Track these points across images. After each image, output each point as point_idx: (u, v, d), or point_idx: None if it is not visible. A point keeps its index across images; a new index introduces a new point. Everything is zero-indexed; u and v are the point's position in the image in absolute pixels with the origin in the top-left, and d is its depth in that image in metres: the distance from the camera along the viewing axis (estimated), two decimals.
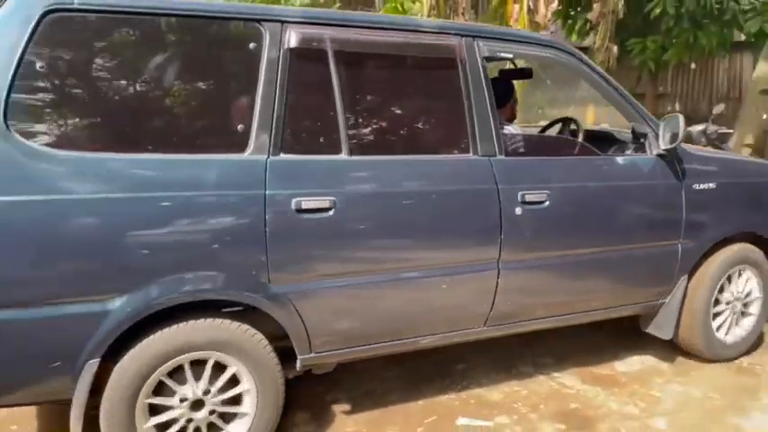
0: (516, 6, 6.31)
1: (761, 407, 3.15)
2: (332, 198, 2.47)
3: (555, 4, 6.95)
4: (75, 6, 2.20)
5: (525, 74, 4.00)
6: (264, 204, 2.37)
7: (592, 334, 3.78)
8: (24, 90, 2.15)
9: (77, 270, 2.20)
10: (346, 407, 3.10)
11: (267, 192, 2.38)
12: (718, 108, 5.49)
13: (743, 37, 9.84)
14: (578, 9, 9.59)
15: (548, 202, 2.89)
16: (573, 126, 3.88)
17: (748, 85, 10.44)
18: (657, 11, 8.52)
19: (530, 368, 3.51)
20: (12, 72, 2.11)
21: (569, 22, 9.66)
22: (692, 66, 11.64)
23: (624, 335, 3.84)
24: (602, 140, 3.50)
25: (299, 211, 2.42)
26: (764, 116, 6.93)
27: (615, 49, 7.36)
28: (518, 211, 2.82)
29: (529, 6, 6.02)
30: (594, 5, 7.74)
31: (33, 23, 2.13)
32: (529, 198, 2.84)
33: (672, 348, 3.75)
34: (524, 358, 3.61)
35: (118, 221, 2.21)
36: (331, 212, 2.47)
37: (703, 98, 12.13)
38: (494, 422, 2.98)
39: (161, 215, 2.26)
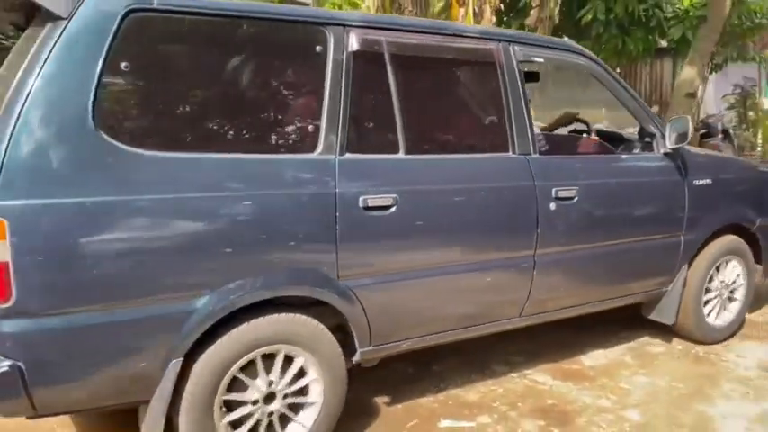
0: (462, 10, 6.41)
1: (722, 393, 3.29)
2: (394, 196, 2.57)
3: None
4: (155, 6, 2.20)
5: (533, 77, 3.98)
6: (335, 202, 2.45)
7: (558, 331, 3.85)
8: (109, 90, 2.14)
9: (164, 270, 2.19)
10: None
11: (337, 190, 2.46)
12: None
13: (664, 43, 10.39)
14: (511, 14, 9.89)
15: (576, 198, 3.08)
16: (583, 126, 4.13)
17: (670, 88, 11.05)
18: (589, 17, 8.88)
19: (503, 367, 3.54)
20: (98, 72, 2.09)
21: (502, 27, 9.93)
22: (618, 71, 12.20)
23: (587, 331, 3.94)
24: (611, 140, 3.79)
25: (366, 208, 2.51)
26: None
27: None
28: (552, 206, 3.00)
29: (474, 11, 6.13)
30: (532, 11, 7.95)
31: (116, 23, 2.12)
32: (561, 194, 3.03)
33: (632, 341, 3.89)
34: (496, 357, 3.63)
35: (202, 221, 2.23)
36: (393, 210, 2.57)
37: None
38: (476, 422, 2.98)
39: (242, 214, 2.29)
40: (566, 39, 3.47)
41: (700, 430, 2.95)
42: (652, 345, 3.89)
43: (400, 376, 3.40)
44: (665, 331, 4.02)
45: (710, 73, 10.02)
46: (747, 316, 4.27)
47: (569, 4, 9.01)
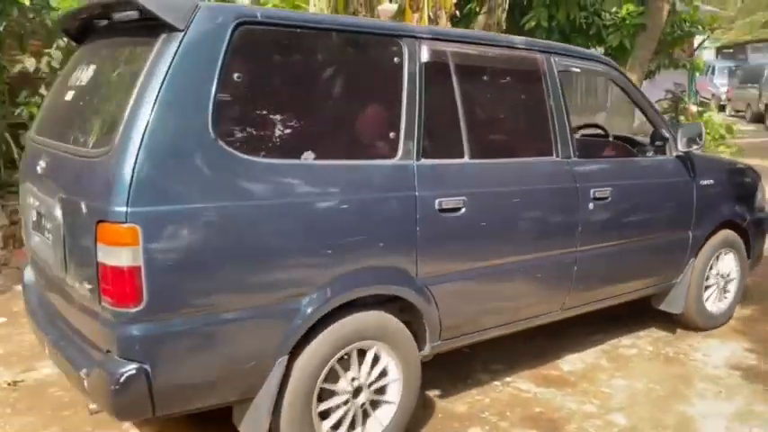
0: (416, 15, 6.41)
1: (697, 393, 3.38)
2: (462, 198, 2.75)
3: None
4: (259, 19, 2.33)
5: None
6: (416, 205, 2.61)
7: (531, 337, 3.87)
8: (224, 100, 2.21)
9: (276, 270, 2.33)
10: None
11: (417, 193, 2.62)
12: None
13: (602, 50, 10.73)
14: (456, 20, 9.98)
15: (610, 198, 3.34)
16: (600, 131, 4.47)
17: (607, 94, 11.43)
18: (533, 23, 9.07)
19: (484, 375, 3.52)
20: (215, 83, 2.17)
21: None
22: None
23: (560, 336, 3.97)
24: (627, 143, 4.14)
25: (441, 210, 2.69)
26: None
27: None
28: (591, 206, 3.26)
29: (430, 16, 6.14)
30: (480, 17, 8.04)
31: (228, 34, 2.22)
32: (598, 195, 3.29)
33: (605, 344, 3.96)
34: (476, 366, 3.61)
35: (307, 223, 2.36)
36: (462, 211, 2.75)
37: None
38: None
39: (339, 217, 2.43)
40: (593, 50, 3.71)
41: (683, 431, 3.01)
42: (624, 347, 3.97)
43: None
44: (635, 333, 4.14)
45: (644, 79, 10.45)
46: None
47: (513, 11, 9.18)
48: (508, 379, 3.50)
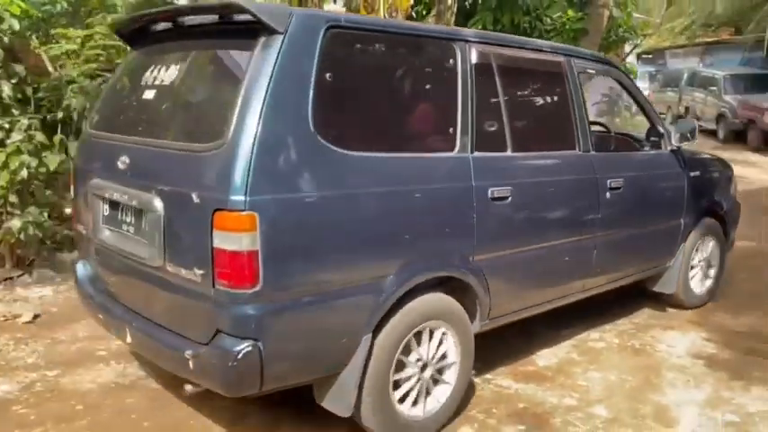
0: (371, 16, 6.39)
1: (668, 383, 3.52)
2: (509, 188, 3.02)
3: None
4: (343, 24, 2.57)
5: None
6: (473, 194, 2.88)
7: (502, 335, 3.92)
8: (320, 97, 2.41)
9: (367, 253, 2.57)
10: None
11: (474, 183, 2.89)
12: None
13: None
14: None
15: (622, 189, 3.70)
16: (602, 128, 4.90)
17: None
18: (479, 27, 9.23)
19: None
20: (312, 81, 2.39)
21: None
22: None
23: (530, 332, 4.04)
24: (626, 139, 4.50)
25: (493, 199, 2.96)
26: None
27: None
28: (607, 195, 3.62)
29: (385, 17, 6.15)
30: (430, 19, 8.10)
31: (321, 37, 2.44)
32: (613, 185, 3.65)
33: (573, 339, 4.06)
34: None
35: (391, 210, 2.63)
36: (509, 200, 3.03)
37: None
38: None
39: (416, 204, 2.70)
40: (602, 54, 4.15)
41: (662, 420, 3.12)
42: (592, 341, 4.08)
43: None
44: (601, 327, 4.27)
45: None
46: (659, 307, 4.65)
47: (458, 14, 9.32)
48: (488, 376, 3.53)
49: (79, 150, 3.34)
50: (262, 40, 2.37)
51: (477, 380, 3.47)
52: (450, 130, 2.88)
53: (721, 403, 3.27)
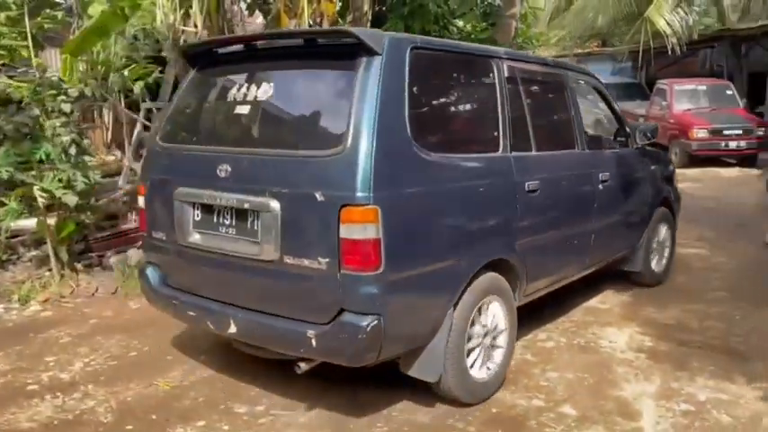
0: (293, 21, 6.23)
1: (621, 377, 3.67)
2: (537, 182, 3.62)
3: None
4: (419, 44, 3.07)
5: None
6: (515, 187, 3.48)
7: None
8: (412, 108, 2.90)
9: (456, 237, 3.11)
10: None
11: (515, 178, 3.48)
12: None
13: None
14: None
15: (609, 182, 4.39)
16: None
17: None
18: None
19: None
20: (406, 93, 2.87)
21: None
22: None
23: None
24: (602, 139, 5.11)
25: (528, 191, 3.56)
26: None
27: None
28: (600, 187, 4.31)
29: (310, 23, 6.02)
30: (346, 26, 8.05)
31: (408, 57, 2.92)
32: (603, 178, 4.34)
33: (522, 340, 4.16)
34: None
35: (466, 201, 3.17)
36: (538, 192, 3.62)
37: None
38: None
39: (481, 196, 3.26)
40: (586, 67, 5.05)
41: (626, 414, 3.26)
42: (541, 341, 4.20)
43: (343, 410, 3.20)
44: (545, 327, 4.40)
45: None
46: (591, 304, 4.90)
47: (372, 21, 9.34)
48: None
49: (152, 162, 3.58)
50: (364, 60, 2.82)
51: None
52: (495, 133, 3.44)
53: (673, 394, 3.46)
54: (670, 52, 13.65)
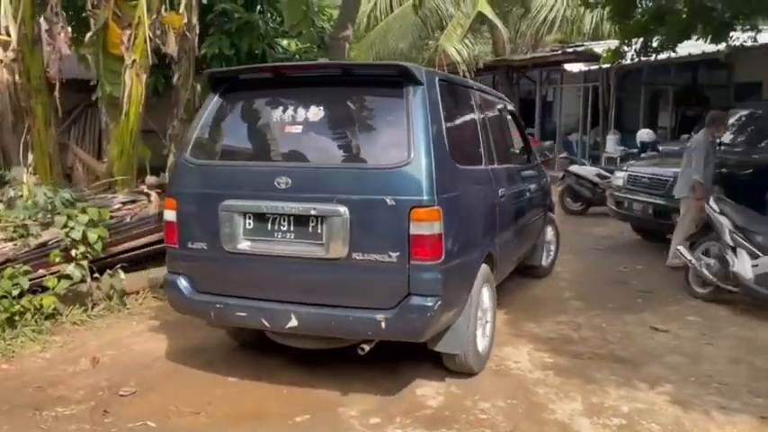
0: (127, 32, 5.42)
1: (545, 398, 3.72)
2: (503, 189, 4.60)
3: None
4: (441, 77, 3.98)
5: None
6: (496, 194, 4.44)
7: (388, 375, 3.73)
8: (447, 129, 3.74)
9: (474, 232, 4.01)
10: None
11: (494, 186, 4.43)
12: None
13: None
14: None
15: (528, 190, 5.54)
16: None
17: None
18: (215, 50, 8.75)
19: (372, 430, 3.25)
20: (441, 114, 3.70)
21: None
22: None
23: (396, 371, 3.91)
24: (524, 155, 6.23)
25: (501, 197, 4.51)
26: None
27: (198, 87, 7.17)
28: (527, 194, 5.51)
29: (150, 36, 5.31)
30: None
31: (438, 86, 3.76)
32: (527, 187, 5.52)
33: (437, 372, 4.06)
34: (354, 423, 3.29)
35: (480, 204, 4.16)
36: (503, 198, 4.56)
37: None
38: None
39: (484, 200, 4.24)
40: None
41: None
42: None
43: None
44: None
45: None
46: None
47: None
48: (397, 425, 3.30)
49: (184, 177, 3.86)
50: (411, 89, 3.54)
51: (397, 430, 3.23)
52: (479, 150, 4.37)
53: (601, 410, 3.59)
54: (462, 76, 14.83)
